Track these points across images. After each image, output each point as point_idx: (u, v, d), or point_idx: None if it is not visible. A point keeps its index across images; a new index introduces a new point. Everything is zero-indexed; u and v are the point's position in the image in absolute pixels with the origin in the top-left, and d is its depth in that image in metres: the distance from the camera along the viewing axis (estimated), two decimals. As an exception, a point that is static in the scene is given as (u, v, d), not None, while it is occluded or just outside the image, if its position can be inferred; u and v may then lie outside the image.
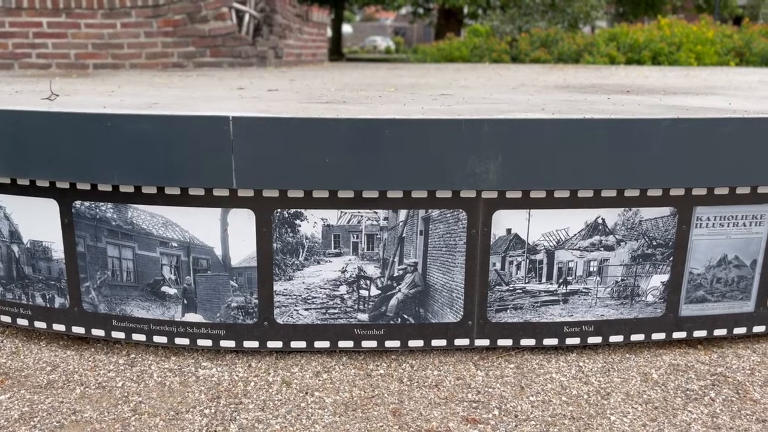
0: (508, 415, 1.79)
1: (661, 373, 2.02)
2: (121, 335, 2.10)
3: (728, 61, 10.53)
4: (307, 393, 1.90)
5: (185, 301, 2.03)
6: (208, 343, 2.06)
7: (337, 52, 26.67)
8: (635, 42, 11.16)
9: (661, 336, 2.15)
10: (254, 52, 5.36)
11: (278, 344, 2.06)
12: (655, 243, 2.06)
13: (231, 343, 2.06)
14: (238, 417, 1.77)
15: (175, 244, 1.99)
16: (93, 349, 2.15)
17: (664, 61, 10.65)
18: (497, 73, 4.87)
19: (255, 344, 2.06)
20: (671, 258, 2.08)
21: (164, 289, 2.03)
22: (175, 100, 2.35)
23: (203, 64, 5.17)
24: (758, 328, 2.21)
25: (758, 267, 2.14)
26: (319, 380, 1.97)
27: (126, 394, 1.88)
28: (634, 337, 2.14)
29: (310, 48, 7.13)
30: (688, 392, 1.91)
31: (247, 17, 5.65)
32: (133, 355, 2.10)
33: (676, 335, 2.16)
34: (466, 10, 20.33)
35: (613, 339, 2.13)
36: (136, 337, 2.09)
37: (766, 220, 2.10)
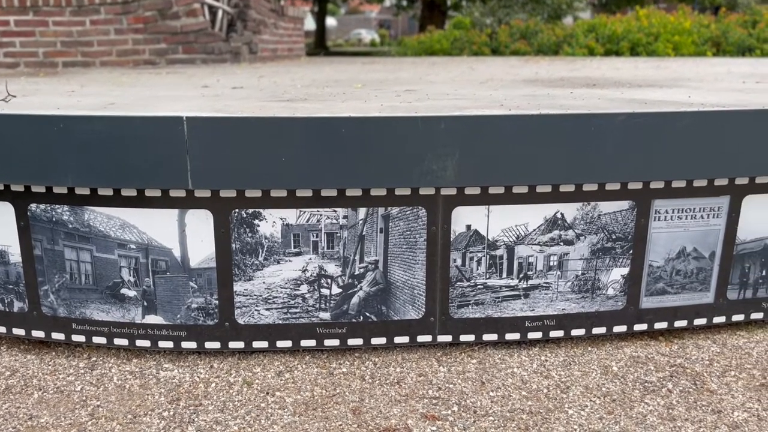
0: (467, 410, 1.80)
1: (621, 366, 2.04)
2: (81, 338, 2.08)
3: (705, 51, 10.61)
4: (268, 393, 1.89)
5: (145, 303, 2.02)
6: (169, 344, 2.05)
7: (321, 45, 26.52)
8: (613, 33, 11.21)
9: (623, 329, 2.17)
10: (228, 48, 5.32)
11: (240, 345, 2.05)
12: (614, 237, 2.08)
13: (192, 345, 2.05)
14: (196, 419, 1.76)
15: (133, 246, 1.98)
16: (54, 353, 2.13)
17: (642, 51, 10.71)
18: (470, 67, 4.87)
19: (217, 345, 2.05)
20: (631, 251, 2.10)
21: (124, 291, 2.01)
22: (135, 99, 2.33)
23: (176, 61, 5.12)
24: (718, 319, 2.23)
25: (717, 258, 2.17)
26: (281, 380, 1.97)
27: (84, 398, 1.86)
28: (596, 331, 2.16)
29: (286, 43, 7.09)
30: (646, 384, 1.93)
31: (220, 13, 5.60)
32: (94, 359, 2.09)
33: (638, 327, 2.18)
34: (449, 2, 20.28)
35: (575, 332, 2.15)
36: (96, 340, 2.07)
37: (724, 212, 2.12)
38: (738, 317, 2.25)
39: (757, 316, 2.26)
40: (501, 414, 1.78)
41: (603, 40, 11.29)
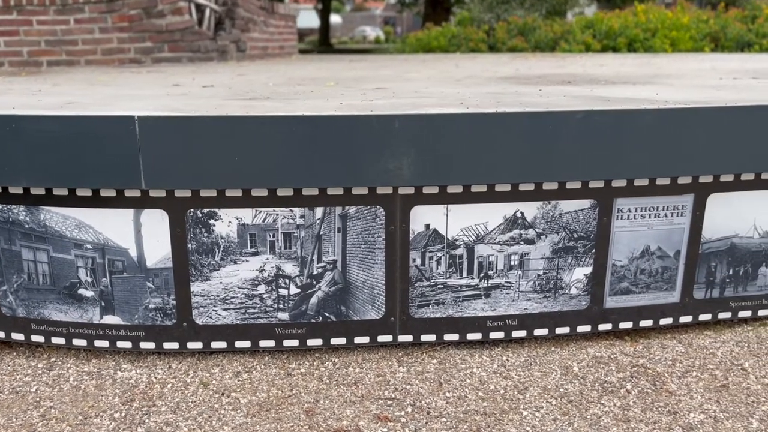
0: (421, 412, 1.79)
1: (582, 366, 2.02)
2: (40, 339, 2.07)
3: (703, 46, 10.53)
4: (223, 394, 1.88)
5: (103, 303, 2.01)
6: (127, 345, 2.04)
7: (325, 43, 26.44)
8: (610, 29, 11.14)
9: (587, 328, 2.15)
10: (214, 46, 5.31)
11: (198, 345, 2.04)
12: (576, 236, 2.05)
13: (151, 345, 2.04)
14: (147, 420, 1.75)
15: (89, 246, 1.97)
16: (15, 354, 2.12)
17: (639, 47, 10.64)
18: (456, 64, 4.85)
19: (175, 345, 2.04)
20: (593, 250, 2.08)
21: (81, 291, 2.01)
22: (98, 98, 2.32)
23: (161, 60, 5.11)
24: (685, 319, 2.21)
25: (682, 257, 2.14)
26: (239, 380, 1.96)
27: (38, 399, 1.86)
28: (559, 330, 2.14)
29: (277, 41, 7.07)
30: (605, 385, 1.91)
31: (208, 11, 5.59)
32: (53, 359, 2.08)
33: (602, 327, 2.16)
34: (452, -1, 20.20)
35: (537, 332, 2.13)
36: (55, 340, 2.06)
37: (688, 210, 2.10)
38: (705, 317, 2.23)
39: (725, 315, 2.24)
40: (454, 415, 1.77)
41: (600, 36, 11.23)
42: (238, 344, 2.04)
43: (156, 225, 1.94)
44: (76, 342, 2.05)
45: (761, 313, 2.26)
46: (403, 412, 1.79)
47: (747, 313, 2.25)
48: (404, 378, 1.96)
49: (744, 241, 2.17)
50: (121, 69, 4.50)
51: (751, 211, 2.14)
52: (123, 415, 1.78)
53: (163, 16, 4.98)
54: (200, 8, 5.54)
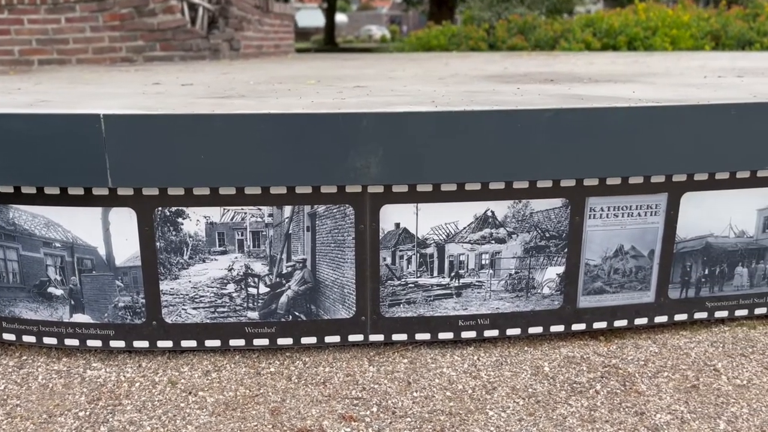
0: (386, 411, 1.78)
1: (553, 366, 2.00)
2: (11, 337, 2.07)
3: (704, 45, 10.48)
4: (190, 393, 1.88)
5: (72, 302, 2.01)
6: (97, 343, 2.04)
7: (330, 42, 26.40)
8: (611, 27, 11.09)
9: (560, 328, 2.14)
10: (206, 45, 5.31)
11: (168, 344, 2.04)
12: (548, 235, 2.04)
13: (121, 344, 2.03)
14: (111, 419, 1.75)
15: (58, 245, 1.96)
16: (-13, 352, 2.13)
17: (640, 46, 10.59)
18: (446, 63, 4.83)
19: (145, 344, 2.03)
20: (566, 249, 2.06)
21: (51, 290, 2.00)
22: (72, 97, 2.32)
23: (153, 59, 5.12)
24: (660, 319, 2.19)
25: (656, 257, 2.12)
26: (207, 379, 1.95)
27: (5, 397, 1.86)
28: (532, 330, 2.13)
29: (272, 40, 7.06)
30: (574, 385, 1.89)
31: (201, 10, 5.59)
32: (24, 357, 2.08)
33: (576, 327, 2.15)
34: (456, -3, 20.12)
35: (510, 332, 2.12)
36: (26, 338, 2.06)
37: (662, 209, 2.08)
38: (681, 317, 2.21)
39: (701, 315, 2.22)
40: (420, 415, 1.76)
41: (600, 34, 11.18)
42: (208, 343, 2.04)
43: (124, 223, 1.93)
44: (47, 340, 2.05)
45: (738, 313, 2.24)
46: (368, 412, 1.78)
47: (724, 314, 2.23)
48: (373, 377, 1.95)
49: (719, 241, 2.15)
50: (111, 68, 4.50)
51: (727, 211, 2.12)
52: (88, 413, 1.77)
53: (154, 14, 4.98)
54: (194, 7, 5.54)
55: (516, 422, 1.72)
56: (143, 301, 1.99)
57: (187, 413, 1.78)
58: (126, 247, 1.95)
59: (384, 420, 1.74)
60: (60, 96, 2.33)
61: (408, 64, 4.79)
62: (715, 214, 2.12)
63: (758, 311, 2.25)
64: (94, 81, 3.21)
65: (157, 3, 4.94)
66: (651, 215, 2.08)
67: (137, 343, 2.03)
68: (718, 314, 2.23)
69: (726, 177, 2.07)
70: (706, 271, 2.17)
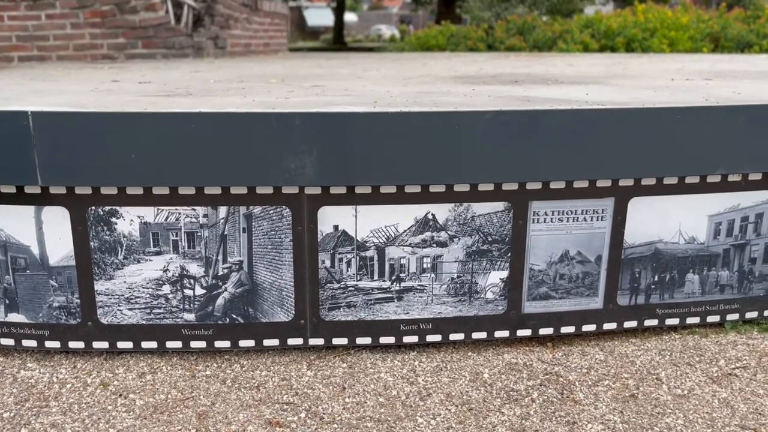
0: (314, 417, 1.74)
1: (494, 373, 1.97)
2: (-52, 336, 2.05)
3: (702, 47, 10.38)
4: (121, 395, 1.85)
5: (7, 301, 1.98)
6: (33, 343, 2.01)
7: (338, 41, 26.34)
8: (609, 29, 11.01)
9: (505, 334, 2.10)
10: (189, 43, 5.28)
11: (104, 345, 2.01)
12: (490, 239, 2.00)
13: (56, 344, 2.01)
14: (34, 421, 1.72)
15: (-8, 243, 1.94)
16: (-75, 351, 2.11)
17: (638, 47, 10.51)
18: (424, 63, 4.79)
19: (81, 345, 2.01)
20: (509, 254, 2.02)
21: (-14, 289, 1.98)
22: (17, 93, 2.29)
23: (135, 56, 5.10)
24: (609, 325, 2.15)
25: (604, 263, 2.08)
26: (141, 381, 1.92)
27: (-67, 397, 1.84)
28: (476, 335, 2.09)
29: (261, 38, 7.04)
30: (511, 393, 1.86)
31: (186, 7, 5.57)
32: (-39, 356, 2.06)
33: (521, 333, 2.11)
34: (461, -4, 20.02)
35: (453, 337, 2.08)
36: (-38, 337, 2.04)
37: (609, 214, 2.04)
38: (631, 324, 2.17)
39: (652, 323, 2.18)
40: (347, 422, 1.73)
41: (599, 36, 11.10)
42: (145, 344, 2.01)
43: (58, 222, 1.91)
44: (-17, 340, 2.03)
45: (690, 321, 2.19)
46: (296, 417, 1.75)
47: (675, 321, 2.18)
48: (309, 382, 1.92)
49: (669, 247, 2.10)
50: (86, 65, 4.49)
51: (676, 216, 2.07)
52: (12, 415, 1.75)
53: (136, 12, 4.96)
54: (179, 4, 5.52)
55: (444, 430, 1.69)
56: (78, 301, 1.97)
57: (112, 416, 1.75)
58: (60, 247, 1.93)
59: (310, 426, 1.71)
60: (5, 92, 2.31)
61: (388, 64, 4.76)
62: (664, 220, 2.07)
63: (710, 319, 2.20)
64: (58, 78, 3.19)
65: (139, 0, 4.92)
66: (597, 220, 2.04)
67: (73, 344, 2.01)
68: (669, 321, 2.18)
69: (674, 182, 2.03)
70: (656, 278, 2.13)
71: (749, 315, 2.23)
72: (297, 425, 1.71)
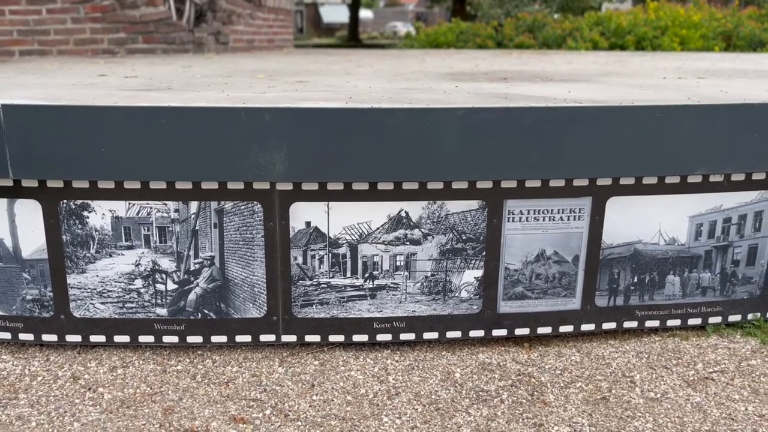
0: (279, 414, 1.74)
1: (465, 372, 1.95)
2: (-75, 327, 2.07)
3: (714, 45, 10.24)
4: (90, 389, 1.85)
5: (-19, 294, 1.99)
6: (7, 336, 2.02)
7: (353, 38, 26.36)
8: (619, 27, 10.89)
9: (480, 333, 2.08)
10: (190, 38, 5.29)
11: (77, 338, 2.01)
12: (464, 237, 1.98)
13: (30, 337, 2.02)
14: (0, 413, 1.73)
15: (-34, 236, 1.95)
16: None
17: (648, 46, 10.38)
18: (422, 60, 4.76)
19: (54, 338, 2.01)
20: (484, 253, 2.00)
21: (-40, 281, 1.99)
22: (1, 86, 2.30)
23: (135, 51, 5.12)
24: (587, 327, 2.12)
25: (581, 263, 2.05)
26: (112, 375, 1.92)
27: None
28: (450, 334, 2.07)
29: (265, 34, 7.04)
30: (480, 393, 1.84)
31: (188, 3, 5.58)
32: (-63, 348, 2.08)
33: (497, 333, 2.08)
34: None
35: (427, 336, 2.06)
36: (-61, 329, 2.06)
37: (586, 214, 2.01)
38: (609, 325, 2.13)
39: (631, 324, 2.14)
40: (312, 420, 1.71)
41: (609, 34, 10.98)
42: (117, 339, 2.01)
43: (30, 215, 1.91)
44: (-42, 331, 2.04)
45: (671, 323, 2.16)
46: (261, 414, 1.74)
47: (655, 323, 2.15)
48: (278, 379, 1.91)
49: (649, 248, 2.07)
50: (86, 60, 4.51)
51: (656, 217, 2.04)
52: (-20, 407, 1.76)
53: (136, 7, 4.98)
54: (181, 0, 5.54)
55: (408, 430, 1.67)
56: (51, 294, 1.97)
57: (79, 410, 1.75)
58: (33, 240, 1.93)
59: (274, 423, 1.70)
60: (-12, 86, 2.32)
61: (386, 60, 4.74)
62: (643, 220, 2.04)
63: (692, 322, 2.17)
64: (49, 72, 3.21)
65: (140, -5, 4.94)
66: (574, 220, 2.01)
67: (46, 337, 2.01)
68: (649, 323, 2.15)
69: (654, 182, 1.99)
70: (636, 279, 2.09)
71: (732, 318, 2.19)
72: (261, 422, 1.70)
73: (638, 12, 11.52)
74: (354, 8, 27.49)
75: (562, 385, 1.88)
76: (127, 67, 3.54)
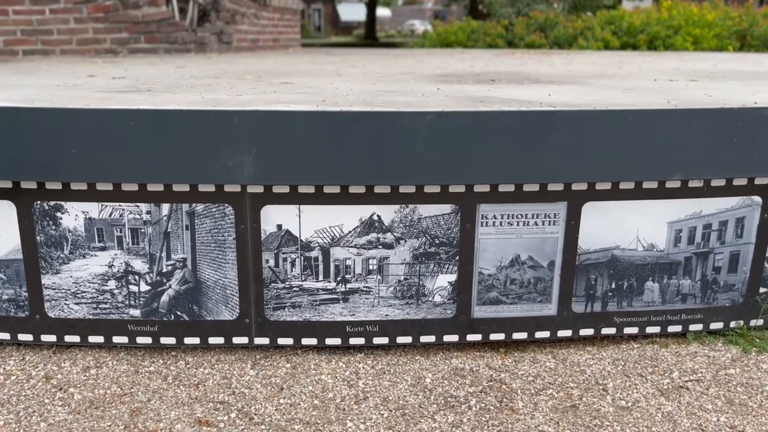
0: (244, 417, 1.73)
1: (436, 378, 1.93)
2: None
3: (727, 45, 10.08)
4: (61, 389, 1.87)
5: (-41, 293, 2.02)
6: (-16, 335, 2.05)
7: (370, 36, 26.35)
8: (631, 26, 10.77)
9: (454, 338, 2.06)
10: (192, 38, 5.32)
11: (52, 338, 2.03)
12: (437, 241, 1.96)
13: (6, 336, 2.04)
14: (-31, 412, 1.75)
15: (-56, 236, 1.97)
16: None
17: (660, 45, 10.25)
18: (419, 60, 4.74)
19: (29, 337, 2.03)
20: (457, 257, 1.98)
21: (-61, 280, 2.02)
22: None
23: (138, 51, 5.16)
24: (564, 333, 2.10)
25: (557, 268, 2.03)
26: (84, 376, 1.94)
27: None
28: (424, 339, 2.05)
29: (270, 34, 7.06)
30: (449, 399, 1.82)
31: (191, 2, 5.61)
32: None
33: (471, 338, 2.07)
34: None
35: (400, 340, 2.05)
36: None
37: (561, 219, 1.98)
38: (587, 332, 2.11)
39: (609, 331, 2.11)
40: (276, 423, 1.71)
41: (621, 33, 10.86)
42: (92, 339, 2.03)
43: (5, 216, 1.93)
44: (-63, 330, 2.07)
45: (650, 330, 2.13)
46: (226, 417, 1.74)
47: (633, 330, 2.12)
48: (248, 382, 1.91)
49: (626, 254, 2.04)
50: (86, 59, 4.55)
51: (633, 222, 2.01)
52: (-49, 406, 1.78)
53: (138, 7, 5.01)
54: None
55: (371, 435, 1.66)
56: (26, 294, 1.99)
57: (47, 410, 1.77)
58: (8, 240, 1.95)
59: (238, 426, 1.70)
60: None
61: (383, 60, 4.72)
62: (620, 226, 2.01)
63: (672, 329, 2.13)
64: (43, 73, 3.24)
65: (142, -5, 4.98)
66: (549, 224, 1.98)
67: (22, 336, 2.03)
68: (628, 330, 2.12)
69: (631, 187, 1.96)
70: (613, 285, 2.06)
71: (714, 326, 2.15)
72: (225, 425, 1.70)
73: (651, 11, 11.38)
74: (371, 6, 27.46)
75: (532, 391, 1.86)
76: (121, 68, 3.57)
